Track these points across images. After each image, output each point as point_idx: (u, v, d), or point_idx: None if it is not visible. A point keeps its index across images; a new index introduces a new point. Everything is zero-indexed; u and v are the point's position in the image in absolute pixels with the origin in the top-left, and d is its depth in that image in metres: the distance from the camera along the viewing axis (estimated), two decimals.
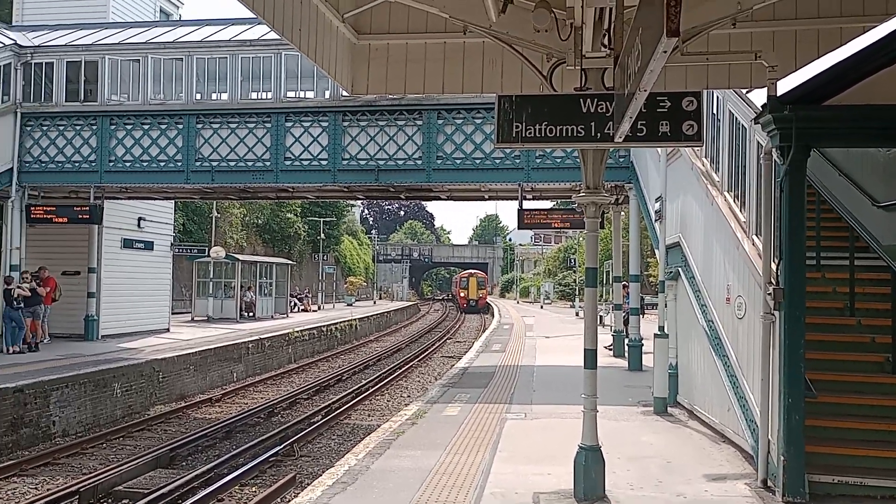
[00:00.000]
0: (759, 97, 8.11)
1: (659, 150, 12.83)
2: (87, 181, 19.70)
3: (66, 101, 19.76)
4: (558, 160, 17.42)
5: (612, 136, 5.97)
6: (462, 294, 65.59)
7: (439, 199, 22.22)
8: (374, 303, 62.50)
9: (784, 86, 7.04)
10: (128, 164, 19.31)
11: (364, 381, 20.55)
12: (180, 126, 19.04)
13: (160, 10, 25.21)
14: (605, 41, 6.13)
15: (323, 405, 16.74)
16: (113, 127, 19.45)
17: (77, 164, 19.58)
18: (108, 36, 20.73)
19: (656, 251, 14.32)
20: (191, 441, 12.92)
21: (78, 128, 19.65)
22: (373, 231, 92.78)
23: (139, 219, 23.47)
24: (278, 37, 7.26)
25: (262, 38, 18.96)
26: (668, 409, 11.55)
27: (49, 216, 20.26)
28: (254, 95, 19.20)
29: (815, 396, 7.06)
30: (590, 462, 6.88)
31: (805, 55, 6.93)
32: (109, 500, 9.88)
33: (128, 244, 22.85)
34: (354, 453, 8.97)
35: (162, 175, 19.27)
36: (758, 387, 7.61)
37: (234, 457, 11.82)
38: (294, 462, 11.97)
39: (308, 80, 18.91)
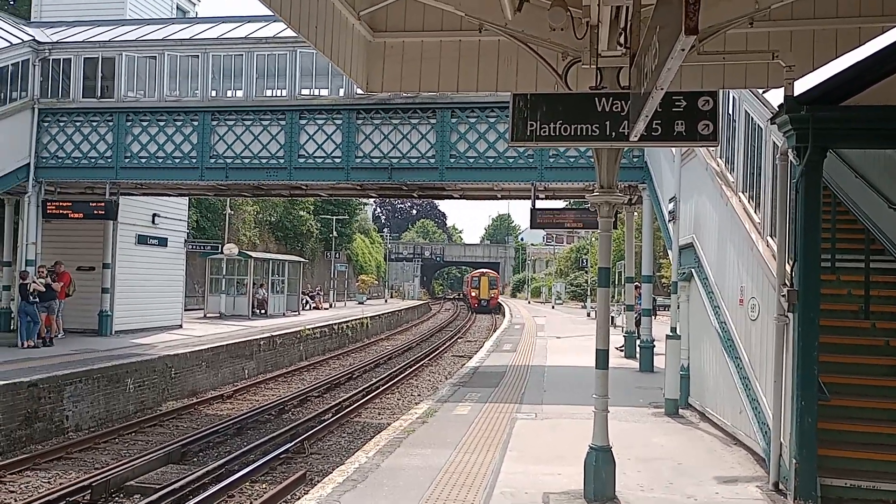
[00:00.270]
0: (775, 97, 8.06)
1: (673, 150, 12.78)
2: (103, 177, 19.85)
3: (83, 97, 19.91)
4: (571, 159, 17.38)
5: (628, 136, 5.94)
6: (473, 293, 65.20)
7: (452, 197, 22.22)
8: (386, 301, 62.64)
9: (801, 86, 6.99)
10: (143, 161, 19.43)
11: (374, 380, 20.59)
12: (195, 123, 19.14)
13: (177, 8, 25.35)
14: (622, 40, 6.11)
15: (333, 403, 16.79)
16: (129, 123, 19.58)
17: (93, 160, 19.73)
18: (126, 33, 20.88)
19: (669, 252, 14.26)
20: (202, 437, 12.99)
21: (94, 124, 19.81)
22: (385, 229, 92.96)
23: (154, 215, 23.62)
24: (294, 34, 7.29)
25: (278, 35, 19.03)
26: (680, 410, 11.50)
27: (65, 211, 20.40)
28: (269, 93, 19.29)
29: (828, 399, 7.01)
30: (600, 463, 6.86)
31: (823, 55, 6.87)
32: (121, 495, 9.95)
33: (142, 240, 23.00)
34: (365, 451, 8.99)
35: (177, 171, 19.38)
36: (770, 389, 7.57)
37: (245, 453, 11.87)
38: (304, 459, 12.01)
39: (323, 78, 18.96)
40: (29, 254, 19.75)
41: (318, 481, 8.69)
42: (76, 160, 19.84)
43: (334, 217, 53.30)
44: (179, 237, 25.23)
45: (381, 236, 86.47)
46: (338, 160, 18.40)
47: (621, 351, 19.96)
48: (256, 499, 9.64)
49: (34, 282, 18.17)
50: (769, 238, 8.27)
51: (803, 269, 6.98)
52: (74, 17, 22.31)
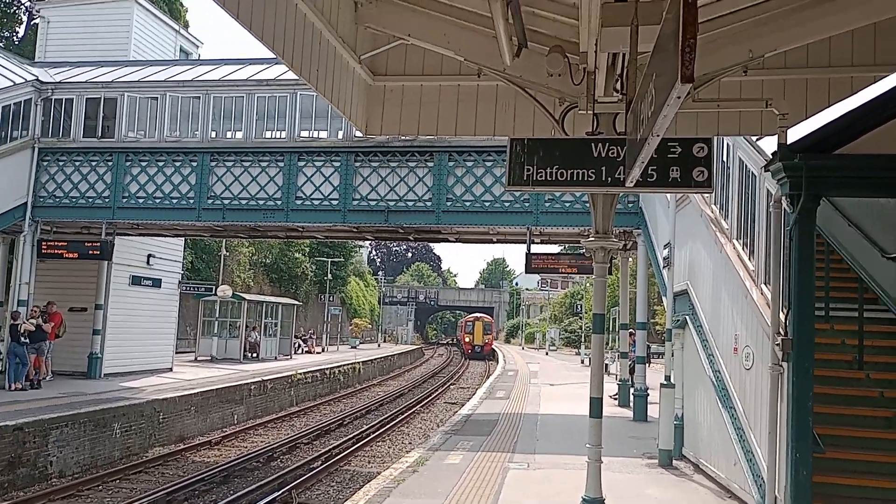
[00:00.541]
0: (769, 145, 8.15)
1: (668, 196, 12.87)
2: (100, 217, 19.85)
3: (83, 136, 20.03)
4: (567, 204, 17.48)
5: (623, 181, 5.98)
6: (467, 339, 63.39)
7: (448, 241, 22.26)
8: (379, 345, 62.22)
9: (794, 134, 7.06)
10: (140, 201, 19.46)
11: (365, 427, 20.32)
12: (194, 163, 19.24)
13: (180, 50, 25.71)
14: (618, 86, 6.19)
15: (323, 450, 16.52)
16: (128, 163, 19.67)
17: (91, 200, 19.75)
18: (128, 74, 21.12)
19: (664, 298, 14.25)
20: (187, 485, 12.73)
21: (93, 163, 19.88)
22: (380, 272, 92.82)
23: (149, 256, 23.53)
24: (294, 77, 7.38)
25: (279, 77, 19.28)
26: (674, 461, 11.35)
27: (60, 251, 20.35)
28: (268, 134, 19.44)
29: (822, 451, 6.91)
30: None
31: (816, 103, 6.97)
32: None
33: (136, 281, 22.86)
34: (353, 501, 8.83)
35: (174, 212, 19.40)
36: (765, 440, 7.47)
37: (231, 503, 11.61)
38: None
39: (322, 120, 19.14)
40: (22, 294, 19.61)
41: None
42: (74, 199, 19.87)
43: (329, 259, 53.28)
44: (174, 278, 25.10)
45: (376, 279, 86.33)
46: (335, 202, 18.47)
47: (615, 399, 19.79)
48: None
49: (25, 322, 17.99)
50: (763, 286, 8.27)
51: (797, 318, 6.95)
52: (78, 58, 22.58)
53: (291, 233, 22.31)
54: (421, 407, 25.66)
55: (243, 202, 18.91)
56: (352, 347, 52.23)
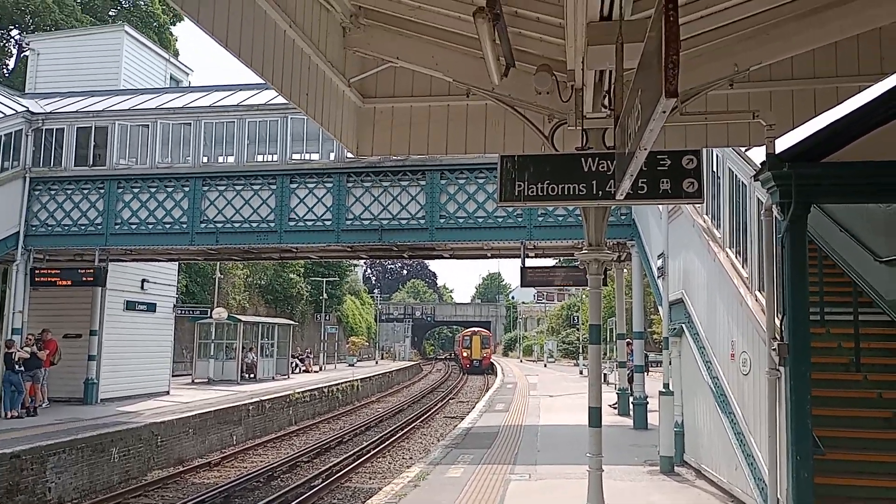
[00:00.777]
0: (758, 155, 8.26)
1: (660, 207, 12.98)
2: (93, 244, 19.86)
3: (74, 165, 20.09)
4: (560, 218, 17.59)
5: (614, 195, 6.06)
6: (465, 354, 62.65)
7: (442, 257, 22.31)
8: (377, 363, 62.01)
9: (782, 143, 7.17)
10: (133, 227, 19.49)
11: (365, 443, 20.27)
12: (186, 188, 19.30)
13: (171, 77, 25.83)
14: (606, 102, 6.28)
15: (323, 468, 16.48)
16: (120, 190, 19.72)
17: (83, 228, 19.77)
18: (119, 102, 21.22)
19: (659, 308, 14.32)
20: None
21: (85, 191, 19.92)
22: (375, 290, 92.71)
23: (143, 281, 23.52)
24: (285, 101, 7.44)
25: (270, 102, 19.39)
26: (675, 468, 11.38)
27: (53, 279, 20.33)
28: (260, 158, 19.53)
29: (822, 453, 6.96)
30: None
31: (802, 114, 7.08)
32: None
33: (130, 306, 22.85)
34: None
35: (167, 237, 19.43)
36: (765, 444, 7.52)
37: None
38: None
39: (314, 143, 19.25)
40: (15, 322, 19.57)
41: None
42: (66, 227, 19.89)
43: (324, 279, 53.25)
44: (168, 302, 25.07)
45: (372, 297, 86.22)
46: (328, 223, 18.53)
47: (615, 408, 19.81)
48: None
49: (19, 350, 17.94)
50: (758, 293, 8.35)
51: (792, 323, 7.02)
52: (69, 88, 22.67)
53: (286, 254, 22.34)
54: (421, 422, 25.61)
55: (236, 225, 18.96)
56: (349, 365, 52.10)
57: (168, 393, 24.15)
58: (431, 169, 18.10)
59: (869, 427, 7.93)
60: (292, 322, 40.76)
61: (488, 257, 22.50)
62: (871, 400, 8.15)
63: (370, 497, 10.88)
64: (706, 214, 11.13)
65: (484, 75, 6.42)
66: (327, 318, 54.72)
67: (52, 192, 20.12)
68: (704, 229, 10.86)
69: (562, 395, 26.73)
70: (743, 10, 5.87)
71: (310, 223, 18.64)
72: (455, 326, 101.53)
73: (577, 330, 56.79)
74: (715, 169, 10.59)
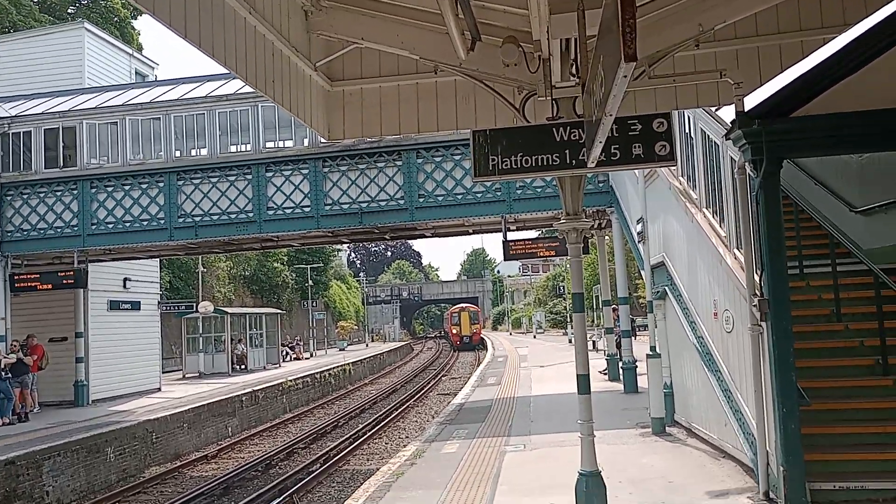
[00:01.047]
0: (728, 114, 8.29)
1: (637, 172, 13.02)
2: (71, 246, 19.67)
3: (45, 168, 19.83)
4: (539, 190, 17.61)
5: (586, 162, 6.06)
6: (454, 331, 61.71)
7: (424, 236, 22.31)
8: (367, 346, 62.13)
9: (751, 101, 7.20)
10: (110, 226, 19.31)
11: (361, 426, 20.37)
12: (161, 184, 19.12)
13: (136, 73, 25.45)
14: (573, 71, 6.26)
15: (321, 453, 16.56)
16: (94, 190, 19.50)
17: (59, 230, 19.57)
18: (85, 101, 20.90)
19: (642, 272, 14.43)
20: (187, 501, 12.76)
21: (59, 194, 19.69)
22: (361, 274, 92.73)
23: (125, 279, 23.37)
24: (254, 90, 7.36)
25: (238, 91, 19.18)
26: (667, 428, 11.54)
27: (33, 284, 20.15)
28: (233, 148, 19.36)
29: (808, 404, 7.09)
30: (591, 488, 6.83)
31: (769, 70, 7.09)
32: None
33: (114, 306, 22.71)
34: (354, 499, 8.89)
35: (145, 234, 19.27)
36: (752, 399, 7.65)
37: None
38: None
39: (286, 130, 19.11)
40: None
41: None
42: (42, 231, 19.67)
43: (309, 266, 53.09)
44: (152, 299, 24.95)
45: (358, 281, 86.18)
46: (307, 209, 18.45)
47: (604, 374, 20.01)
48: None
49: (4, 357, 17.81)
50: (736, 250, 8.43)
51: (771, 278, 7.11)
52: (33, 90, 22.29)
53: (267, 243, 22.26)
54: (414, 401, 25.76)
55: (215, 217, 18.83)
56: (340, 350, 52.16)
57: (160, 389, 24.11)
58: (407, 149, 18.03)
59: (852, 375, 8.08)
60: (279, 311, 40.70)
61: (470, 233, 22.53)
62: (853, 349, 8.29)
63: (368, 478, 10.97)
64: (682, 176, 11.18)
65: (450, 51, 6.37)
66: (314, 304, 54.67)
67: (25, 197, 19.87)
68: (681, 191, 10.92)
69: (552, 365, 26.96)
70: None
71: (288, 211, 18.55)
72: (443, 304, 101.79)
73: (564, 300, 57.15)
74: (688, 130, 10.62)
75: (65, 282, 20.04)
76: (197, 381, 28.51)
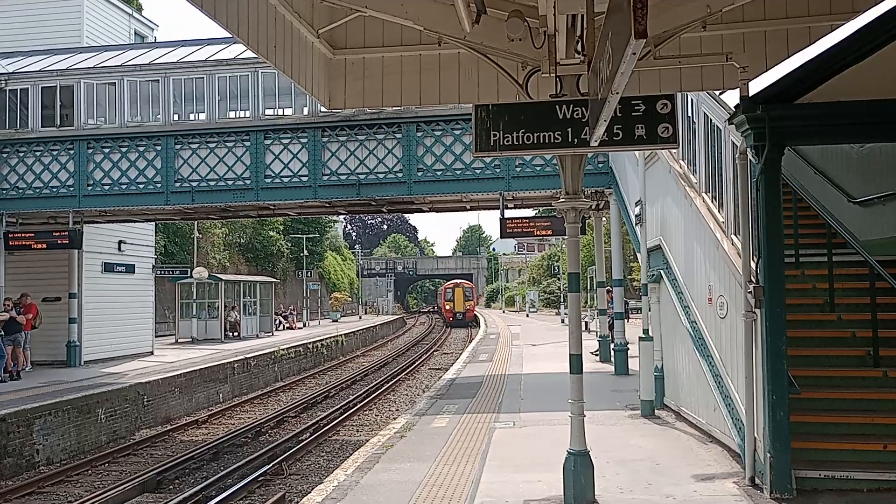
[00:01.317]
0: (732, 98, 8.22)
1: (637, 153, 12.95)
2: (66, 206, 19.57)
3: (42, 126, 19.65)
4: (538, 168, 17.53)
5: (588, 141, 6.02)
6: (447, 307, 60.62)
7: (421, 210, 22.24)
8: (360, 318, 62.23)
9: (756, 86, 7.14)
10: (106, 188, 19.20)
11: (352, 397, 20.46)
12: (158, 147, 18.98)
13: (135, 33, 25.15)
14: (579, 48, 6.19)
15: (311, 422, 16.63)
16: (90, 151, 19.35)
17: (55, 190, 19.45)
18: (83, 60, 20.65)
19: (638, 255, 14.42)
20: (177, 464, 12.79)
21: (55, 153, 19.53)
22: (356, 246, 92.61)
23: (119, 242, 23.32)
24: (255, 55, 7.27)
25: (239, 56, 18.97)
26: (656, 411, 11.59)
27: (28, 242, 20.07)
28: (232, 114, 19.18)
29: (798, 393, 7.12)
30: (579, 467, 6.89)
31: (775, 55, 7.03)
32: None
33: (109, 268, 22.66)
34: (343, 469, 8.93)
35: (141, 197, 19.18)
36: (742, 385, 7.67)
37: (222, 478, 11.71)
38: (283, 481, 11.89)
39: (286, 98, 18.94)
40: None
41: (298, 502, 8.60)
42: (37, 190, 19.55)
43: (304, 236, 53.02)
44: (147, 263, 24.91)
45: (353, 253, 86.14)
46: (305, 178, 18.35)
47: (596, 355, 20.10)
48: None
49: None
50: (734, 236, 8.41)
51: (767, 266, 7.11)
52: (30, 47, 22.01)
53: (263, 211, 22.16)
54: (406, 374, 25.87)
55: (212, 183, 18.73)
56: (333, 321, 52.29)
57: (152, 353, 24.16)
58: (407, 121, 17.90)
59: (844, 366, 8.11)
60: (274, 280, 40.70)
61: (467, 209, 22.48)
62: (845, 339, 8.31)
63: (358, 449, 11.03)
64: (682, 160, 11.13)
65: (455, 23, 6.29)
66: (309, 274, 54.68)
67: (21, 155, 19.71)
68: (681, 175, 10.87)
69: (544, 344, 27.06)
70: None
71: (286, 179, 18.45)
72: (437, 280, 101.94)
73: (559, 280, 57.19)
74: (690, 114, 10.55)
75: (59, 242, 19.96)
76: (189, 346, 28.58)
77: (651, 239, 12.72)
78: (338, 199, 18.95)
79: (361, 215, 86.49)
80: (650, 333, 12.14)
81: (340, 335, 36.03)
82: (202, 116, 19.18)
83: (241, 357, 23.11)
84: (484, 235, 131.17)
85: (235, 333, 32.51)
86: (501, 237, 19.73)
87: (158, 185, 18.93)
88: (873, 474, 6.93)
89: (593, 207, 20.39)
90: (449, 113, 17.52)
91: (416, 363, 29.63)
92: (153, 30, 26.52)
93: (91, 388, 15.96)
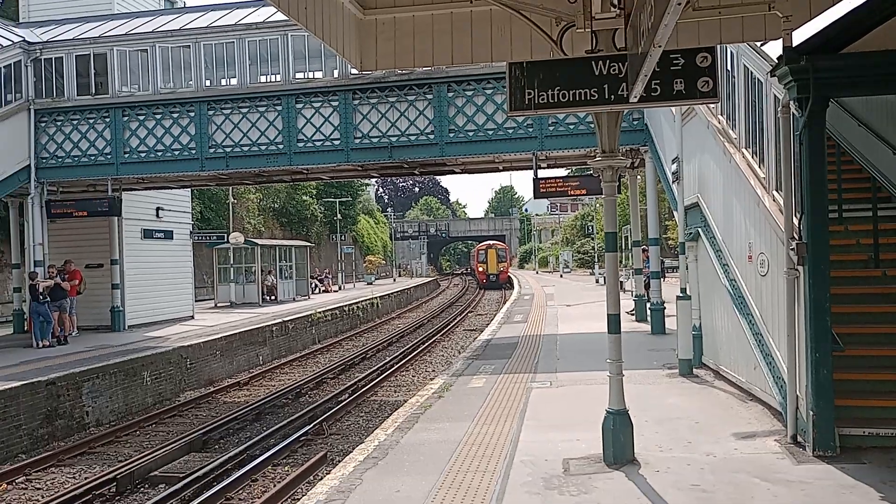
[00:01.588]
0: (774, 49, 7.97)
1: (673, 110, 12.69)
2: (104, 174, 19.89)
3: (77, 94, 19.89)
4: (571, 127, 17.29)
5: (627, 98, 5.90)
6: (480, 269, 59.24)
7: (454, 172, 22.15)
8: (394, 280, 62.66)
9: (799, 36, 6.90)
10: (143, 155, 19.45)
11: (388, 358, 20.71)
12: (192, 114, 19.12)
13: None
14: (615, 1, 6.04)
15: (349, 383, 16.90)
16: (126, 118, 19.57)
17: (93, 158, 19.75)
18: (115, 27, 20.77)
19: (675, 213, 14.22)
20: (222, 425, 13.12)
21: (91, 121, 19.79)
22: (388, 209, 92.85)
23: (157, 209, 23.70)
24: (284, 18, 7.22)
25: (268, 20, 18.90)
26: (694, 370, 11.54)
27: (69, 211, 20.51)
28: (263, 79, 19.19)
29: (842, 350, 7.01)
30: (618, 426, 6.91)
31: (820, 3, 6.76)
32: (146, 486, 10.08)
33: (148, 234, 23.09)
34: (383, 429, 9.06)
35: (177, 164, 19.40)
36: (784, 343, 7.57)
37: (265, 438, 12.00)
38: (324, 440, 12.13)
39: (316, 61, 18.87)
40: (36, 255, 19.86)
41: (340, 461, 8.78)
42: (76, 158, 19.87)
43: (337, 200, 53.26)
44: (185, 229, 25.32)
45: (386, 216, 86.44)
46: (337, 142, 18.36)
47: (632, 315, 20.00)
48: (279, 481, 9.75)
49: (42, 281, 18.27)
50: (775, 192, 8.22)
51: (811, 222, 6.95)
52: (63, 15, 22.20)
53: (297, 176, 22.26)
54: (441, 336, 26.06)
55: (245, 149, 18.85)
56: (368, 284, 52.72)
57: (193, 317, 24.68)
58: (438, 82, 17.74)
59: (889, 322, 7.94)
60: (308, 244, 41.09)
61: (500, 170, 22.32)
62: (890, 295, 8.14)
63: (396, 409, 11.19)
64: (721, 115, 10.87)
65: None
66: (343, 238, 55.03)
67: (59, 124, 20.01)
68: (719, 130, 10.63)
69: (579, 305, 27.01)
70: None
71: (318, 143, 18.48)
72: (470, 241, 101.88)
73: (592, 240, 56.70)
74: (729, 67, 10.25)
75: (100, 209, 20.37)
76: (228, 310, 29.11)
77: (688, 197, 12.52)
78: (370, 162, 18.95)
79: (393, 178, 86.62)
80: (688, 292, 12.03)
81: (375, 298, 36.35)
82: (233, 81, 19.22)
83: (279, 320, 23.48)
84: (516, 196, 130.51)
85: (273, 297, 33.01)
86: (535, 197, 19.60)
87: (193, 152, 19.11)
88: None
89: (628, 166, 20.08)
90: (480, 72, 17.30)
91: (451, 324, 29.82)
92: None
93: (136, 351, 16.39)
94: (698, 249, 12.14)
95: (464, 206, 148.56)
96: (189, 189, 25.91)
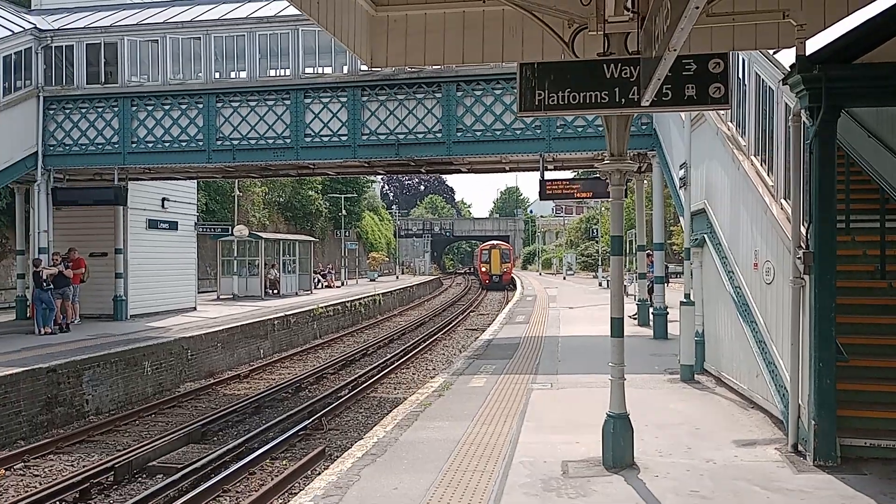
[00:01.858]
0: (786, 58, 7.94)
1: (682, 115, 12.66)
2: (111, 163, 19.92)
3: (87, 83, 19.91)
4: (580, 129, 17.26)
5: (638, 102, 5.88)
6: (483, 269, 58.34)
7: (460, 171, 22.14)
8: (397, 278, 62.66)
9: (813, 45, 6.88)
10: (150, 145, 19.47)
11: (389, 355, 20.70)
12: (200, 105, 19.13)
13: None
14: (629, 4, 6.02)
15: (349, 379, 16.90)
16: (134, 108, 19.59)
17: (100, 147, 19.78)
18: (126, 17, 20.80)
19: (680, 219, 14.19)
20: (221, 417, 13.13)
21: (100, 110, 19.82)
22: (393, 206, 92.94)
23: (163, 199, 23.72)
24: (295, 12, 7.23)
25: (280, 14, 18.91)
26: (695, 376, 11.51)
27: (75, 198, 20.53)
28: (272, 73, 19.22)
29: (846, 360, 6.99)
30: (618, 430, 6.89)
31: (834, 13, 6.74)
32: (144, 475, 10.09)
33: (153, 224, 23.12)
34: (382, 425, 9.06)
35: (184, 155, 19.42)
36: (787, 352, 7.55)
37: (264, 431, 12.01)
38: (323, 435, 12.13)
39: (326, 56, 18.86)
40: (41, 242, 19.90)
41: (338, 456, 8.78)
42: (83, 147, 19.89)
43: (343, 195, 53.30)
44: (189, 220, 25.34)
45: (390, 213, 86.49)
46: (344, 138, 18.36)
47: (634, 319, 19.97)
48: (277, 475, 9.75)
49: (46, 268, 18.30)
50: (783, 201, 8.20)
51: (819, 231, 6.93)
52: (74, 3, 22.25)
53: (303, 170, 22.28)
54: (442, 334, 26.05)
55: (252, 142, 18.86)
56: (371, 280, 52.75)
57: (195, 309, 24.71)
58: (447, 80, 17.72)
59: (893, 334, 7.91)
60: (312, 238, 41.12)
61: (507, 171, 22.31)
62: (895, 307, 8.10)
63: (396, 406, 11.18)
64: (730, 121, 10.84)
65: None
66: (347, 234, 55.05)
67: (67, 111, 20.03)
68: (728, 137, 10.60)
69: (581, 307, 26.98)
70: None
71: (326, 139, 18.48)
72: (474, 241, 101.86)
73: (596, 243, 56.72)
74: (740, 75, 10.22)
75: (105, 198, 20.41)
76: (231, 302, 29.14)
77: (695, 202, 12.49)
78: (377, 159, 18.95)
79: (399, 176, 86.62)
80: (692, 298, 12.00)
81: (378, 294, 36.36)
82: (243, 74, 19.23)
83: (281, 314, 23.50)
84: (521, 197, 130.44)
85: (275, 291, 33.03)
86: (541, 199, 19.56)
87: (200, 143, 19.12)
88: None
89: (636, 170, 20.06)
90: (489, 72, 17.28)
91: (453, 323, 29.81)
92: None
93: (137, 341, 16.41)
94: (703, 255, 12.11)
95: (469, 206, 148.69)
96: (195, 181, 25.92)
